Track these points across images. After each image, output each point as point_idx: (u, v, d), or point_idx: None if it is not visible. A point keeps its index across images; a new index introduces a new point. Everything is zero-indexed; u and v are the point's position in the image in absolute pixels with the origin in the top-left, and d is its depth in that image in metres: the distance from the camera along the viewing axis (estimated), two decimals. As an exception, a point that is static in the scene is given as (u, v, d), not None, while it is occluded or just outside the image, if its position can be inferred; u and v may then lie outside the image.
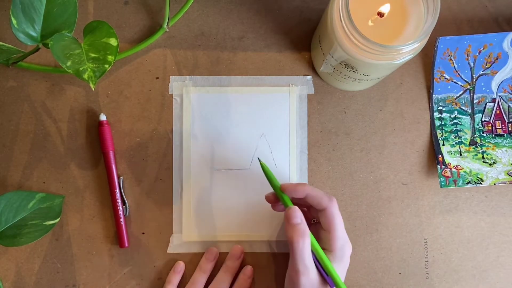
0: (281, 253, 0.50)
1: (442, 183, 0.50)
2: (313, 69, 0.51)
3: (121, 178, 0.49)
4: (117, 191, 0.49)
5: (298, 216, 0.41)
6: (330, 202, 0.42)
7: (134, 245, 0.50)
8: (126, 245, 0.49)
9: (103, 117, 0.49)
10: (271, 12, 0.51)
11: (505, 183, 0.49)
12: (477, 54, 0.50)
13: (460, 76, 0.50)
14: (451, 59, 0.50)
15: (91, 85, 0.38)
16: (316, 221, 0.45)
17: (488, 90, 0.50)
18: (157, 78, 0.50)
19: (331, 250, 0.42)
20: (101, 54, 0.40)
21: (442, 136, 0.50)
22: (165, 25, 0.49)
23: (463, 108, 0.50)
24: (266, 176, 0.44)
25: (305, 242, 0.40)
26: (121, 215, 0.48)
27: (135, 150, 0.50)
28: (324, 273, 0.41)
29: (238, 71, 0.50)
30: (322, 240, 0.43)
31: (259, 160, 0.44)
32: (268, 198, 0.45)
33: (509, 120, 0.50)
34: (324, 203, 0.42)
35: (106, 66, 0.39)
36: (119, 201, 0.48)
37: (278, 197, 0.43)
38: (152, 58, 0.50)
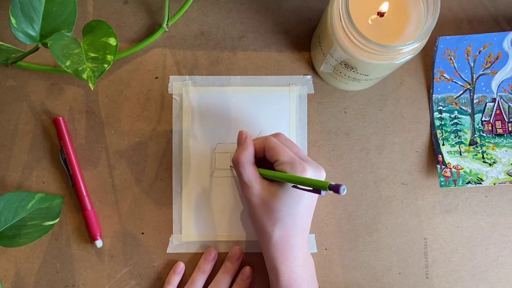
0: (280, 253, 0.50)
1: (442, 183, 0.49)
2: (313, 69, 0.51)
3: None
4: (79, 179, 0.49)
5: (242, 138, 0.43)
6: (266, 140, 0.43)
7: (134, 245, 0.49)
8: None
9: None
10: (270, 12, 0.51)
11: (505, 183, 0.49)
12: (477, 54, 0.50)
13: (460, 76, 0.50)
14: (451, 59, 0.50)
15: (90, 85, 0.38)
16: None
17: (488, 90, 0.50)
18: (156, 77, 0.50)
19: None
20: (100, 53, 0.40)
21: (442, 136, 0.50)
22: (164, 25, 0.49)
23: (463, 108, 0.50)
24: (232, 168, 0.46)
25: (241, 159, 0.42)
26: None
27: (134, 150, 0.50)
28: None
29: (238, 70, 0.50)
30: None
31: (230, 166, 0.48)
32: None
33: (509, 120, 0.50)
34: (262, 145, 0.43)
35: (106, 65, 0.39)
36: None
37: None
38: (151, 58, 0.50)
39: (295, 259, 0.43)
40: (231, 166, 0.49)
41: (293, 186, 0.40)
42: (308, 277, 0.43)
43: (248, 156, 0.42)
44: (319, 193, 0.37)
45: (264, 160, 0.44)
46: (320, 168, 0.42)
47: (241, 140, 0.43)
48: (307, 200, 0.42)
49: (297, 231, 0.42)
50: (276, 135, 0.44)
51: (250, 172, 0.42)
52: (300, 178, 0.39)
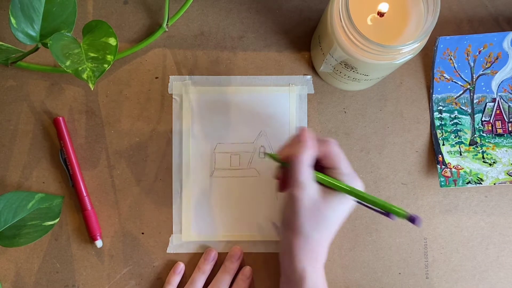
0: (280, 253, 0.50)
1: (442, 183, 0.49)
2: (313, 69, 0.51)
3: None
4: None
5: (305, 135, 0.41)
6: (328, 145, 0.41)
7: (134, 245, 0.49)
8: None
9: None
10: (270, 12, 0.51)
11: (505, 183, 0.49)
12: (477, 53, 0.50)
13: (460, 76, 0.50)
14: (451, 59, 0.50)
15: (90, 85, 0.38)
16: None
17: (488, 90, 0.50)
18: (156, 77, 0.50)
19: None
20: (100, 53, 0.40)
21: (442, 136, 0.50)
22: (164, 25, 0.49)
23: (463, 108, 0.50)
24: (277, 161, 0.43)
25: (303, 157, 0.40)
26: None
27: (134, 150, 0.50)
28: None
29: (238, 70, 0.50)
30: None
31: (265, 154, 0.45)
32: (277, 176, 0.44)
33: (509, 120, 0.50)
34: (323, 148, 0.41)
35: (105, 65, 0.39)
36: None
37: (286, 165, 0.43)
38: (151, 58, 0.50)
39: (321, 261, 0.43)
40: (265, 154, 0.46)
41: (358, 202, 0.41)
42: (325, 284, 0.44)
43: (310, 155, 0.40)
44: (388, 216, 0.39)
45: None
46: (362, 184, 0.43)
47: (304, 137, 0.41)
48: (349, 210, 0.42)
49: (330, 237, 0.43)
50: (334, 140, 0.42)
51: (308, 173, 0.40)
52: (374, 198, 0.40)
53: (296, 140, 0.41)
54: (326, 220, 0.41)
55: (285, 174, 0.43)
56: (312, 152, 0.40)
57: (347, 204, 0.41)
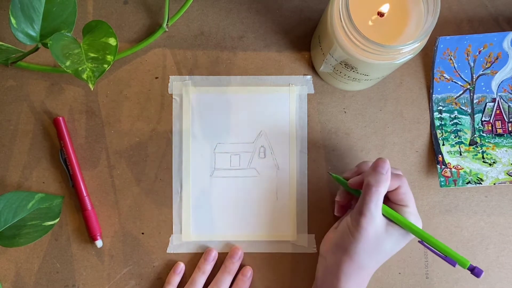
0: (280, 253, 0.50)
1: (442, 183, 0.49)
2: (313, 69, 0.51)
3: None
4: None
5: (385, 167, 0.41)
6: (402, 180, 0.42)
7: (134, 245, 0.49)
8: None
9: None
10: (271, 12, 0.51)
11: (505, 183, 0.49)
12: (477, 54, 0.50)
13: (460, 76, 0.50)
14: (451, 59, 0.50)
15: (90, 85, 0.38)
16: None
17: (488, 90, 0.50)
18: (156, 78, 0.50)
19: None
20: (100, 53, 0.40)
21: (442, 136, 0.50)
22: (164, 25, 0.49)
23: (463, 108, 0.50)
24: (342, 184, 0.45)
25: (380, 189, 0.40)
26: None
27: (134, 150, 0.50)
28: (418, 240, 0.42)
29: (238, 71, 0.50)
30: None
31: (330, 174, 0.47)
32: (339, 199, 0.46)
33: (509, 120, 0.50)
34: (396, 183, 0.42)
35: (105, 66, 0.39)
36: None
37: (352, 192, 0.44)
38: (151, 58, 0.50)
39: (364, 287, 0.44)
40: (330, 174, 0.48)
41: (420, 242, 0.42)
42: None
43: (385, 188, 0.41)
44: (452, 264, 0.41)
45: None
46: (420, 220, 0.44)
47: (383, 168, 0.41)
48: (403, 246, 0.43)
49: (380, 264, 0.43)
50: (404, 177, 0.43)
51: (380, 205, 0.41)
52: (440, 243, 0.41)
53: (373, 170, 0.41)
54: (383, 252, 0.42)
55: (346, 198, 0.45)
56: (387, 185, 0.41)
57: (407, 240, 0.43)
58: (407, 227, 0.42)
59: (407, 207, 0.42)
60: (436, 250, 0.42)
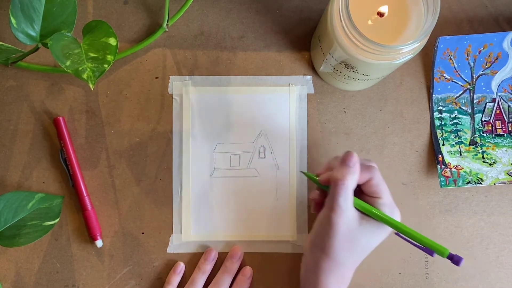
0: (280, 253, 0.50)
1: (442, 183, 0.49)
2: (313, 69, 0.51)
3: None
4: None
5: (352, 160, 0.40)
6: (373, 172, 0.41)
7: (134, 245, 0.50)
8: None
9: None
10: (271, 12, 0.51)
11: (505, 183, 0.49)
12: (477, 54, 0.50)
13: (460, 76, 0.50)
14: (451, 59, 0.50)
15: (90, 85, 0.38)
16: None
17: (488, 90, 0.50)
18: (156, 78, 0.50)
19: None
20: (100, 53, 0.40)
21: (442, 136, 0.50)
22: (164, 25, 0.49)
23: (463, 108, 0.50)
24: (314, 182, 0.44)
25: (347, 183, 0.39)
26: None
27: (134, 150, 0.50)
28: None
29: (238, 70, 0.50)
30: None
31: (302, 172, 0.46)
32: (313, 197, 0.44)
33: (509, 120, 0.50)
34: (366, 175, 0.41)
35: (106, 65, 0.39)
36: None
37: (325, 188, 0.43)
38: (151, 58, 0.50)
39: (346, 284, 0.43)
40: (302, 173, 0.47)
41: (396, 234, 0.41)
42: None
43: (354, 181, 0.40)
44: (430, 254, 0.39)
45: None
46: (398, 211, 0.42)
47: (350, 161, 0.40)
48: (382, 239, 0.42)
49: (361, 260, 0.42)
50: (376, 168, 0.42)
51: (349, 198, 0.40)
52: (416, 233, 0.39)
53: (340, 164, 0.40)
54: (359, 247, 0.41)
55: (321, 196, 0.43)
56: (356, 178, 0.40)
57: (383, 233, 0.41)
58: (380, 219, 0.40)
59: (380, 199, 0.41)
60: (413, 240, 0.40)
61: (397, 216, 0.41)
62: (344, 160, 0.40)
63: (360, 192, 0.42)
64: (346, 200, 0.39)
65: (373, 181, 0.41)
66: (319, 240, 0.41)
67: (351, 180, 0.39)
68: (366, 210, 0.41)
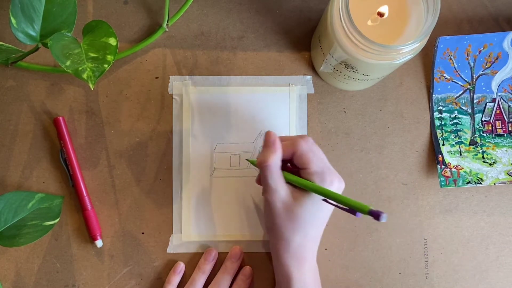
0: (280, 253, 0.50)
1: (442, 183, 0.49)
2: (313, 69, 0.51)
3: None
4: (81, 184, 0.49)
5: (270, 140, 0.41)
6: (297, 144, 0.41)
7: (134, 245, 0.50)
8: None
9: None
10: (270, 12, 0.51)
11: (505, 183, 0.49)
12: (477, 53, 0.50)
13: (460, 76, 0.50)
14: (451, 59, 0.50)
15: (90, 85, 0.38)
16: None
17: (488, 90, 0.50)
18: (156, 77, 0.50)
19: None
20: (101, 53, 0.40)
21: (442, 136, 0.50)
22: (164, 25, 0.49)
23: (463, 108, 0.50)
24: (254, 165, 0.44)
25: (270, 163, 0.40)
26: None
27: (134, 150, 0.50)
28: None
29: (238, 70, 0.50)
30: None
31: (247, 160, 0.47)
32: (257, 181, 0.45)
33: (509, 120, 0.50)
34: (290, 150, 0.41)
35: (106, 65, 0.39)
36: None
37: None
38: (151, 58, 0.50)
39: (308, 266, 0.43)
40: (249, 164, 0.49)
41: (324, 200, 0.40)
42: (316, 284, 0.44)
43: (276, 160, 0.40)
44: (353, 214, 0.37)
45: (286, 162, 0.43)
46: (342, 180, 0.42)
47: (269, 141, 0.41)
48: (327, 210, 0.42)
49: (314, 239, 0.43)
50: (304, 138, 0.41)
51: (277, 176, 0.40)
52: (337, 195, 0.38)
53: (263, 146, 0.41)
54: (302, 221, 0.41)
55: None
56: (278, 155, 0.40)
57: (322, 204, 0.41)
58: (306, 187, 0.40)
59: (307, 169, 0.41)
60: (338, 203, 0.39)
61: (334, 183, 0.41)
62: (264, 142, 0.41)
63: (293, 166, 0.42)
64: (274, 179, 0.40)
65: (297, 153, 0.41)
66: (268, 223, 0.43)
67: (273, 159, 0.40)
68: (295, 182, 0.41)
